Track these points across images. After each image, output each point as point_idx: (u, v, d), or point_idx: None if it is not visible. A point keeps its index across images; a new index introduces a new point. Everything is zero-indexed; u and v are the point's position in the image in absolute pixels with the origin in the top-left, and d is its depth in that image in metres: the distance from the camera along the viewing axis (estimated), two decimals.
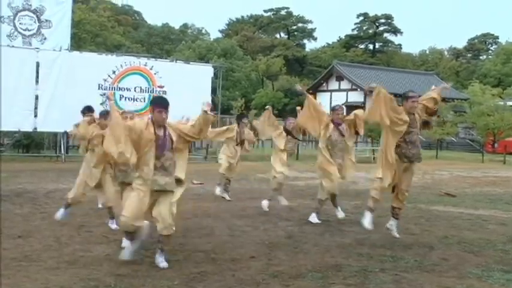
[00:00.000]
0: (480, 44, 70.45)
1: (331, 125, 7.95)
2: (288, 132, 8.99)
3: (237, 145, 10.31)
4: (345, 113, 8.42)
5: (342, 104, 41.13)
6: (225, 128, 10.69)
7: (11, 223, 7.37)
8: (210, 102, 6.39)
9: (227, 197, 10.33)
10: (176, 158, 5.62)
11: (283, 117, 14.05)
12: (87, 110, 7.61)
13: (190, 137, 5.74)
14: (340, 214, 8.34)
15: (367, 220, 6.98)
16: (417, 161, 6.93)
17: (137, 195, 5.39)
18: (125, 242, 5.77)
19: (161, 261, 5.53)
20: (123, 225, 5.52)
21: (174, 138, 5.54)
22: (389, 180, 6.73)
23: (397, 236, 7.06)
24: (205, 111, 5.51)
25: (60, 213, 7.30)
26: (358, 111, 8.15)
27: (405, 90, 7.06)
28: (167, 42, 63.91)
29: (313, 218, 8.14)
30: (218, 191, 10.31)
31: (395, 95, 6.95)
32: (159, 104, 5.52)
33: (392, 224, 7.10)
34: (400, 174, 6.81)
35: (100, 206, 8.28)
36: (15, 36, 18.90)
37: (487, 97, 29.57)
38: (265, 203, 9.09)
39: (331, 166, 7.89)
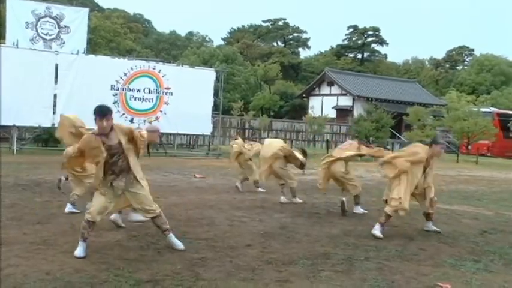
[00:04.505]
0: (457, 56, 70.34)
1: None
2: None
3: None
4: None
5: (332, 108, 41.62)
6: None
7: (31, 210, 7.37)
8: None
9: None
10: (132, 158, 5.35)
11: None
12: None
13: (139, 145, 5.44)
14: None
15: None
16: None
17: (100, 197, 5.33)
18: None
19: (174, 243, 5.54)
20: (86, 218, 5.32)
21: (123, 140, 5.23)
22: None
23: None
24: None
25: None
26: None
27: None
28: (174, 48, 63.62)
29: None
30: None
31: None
32: (98, 112, 5.11)
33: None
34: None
35: None
36: (37, 40, 18.94)
37: (463, 104, 29.60)
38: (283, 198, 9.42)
39: None
